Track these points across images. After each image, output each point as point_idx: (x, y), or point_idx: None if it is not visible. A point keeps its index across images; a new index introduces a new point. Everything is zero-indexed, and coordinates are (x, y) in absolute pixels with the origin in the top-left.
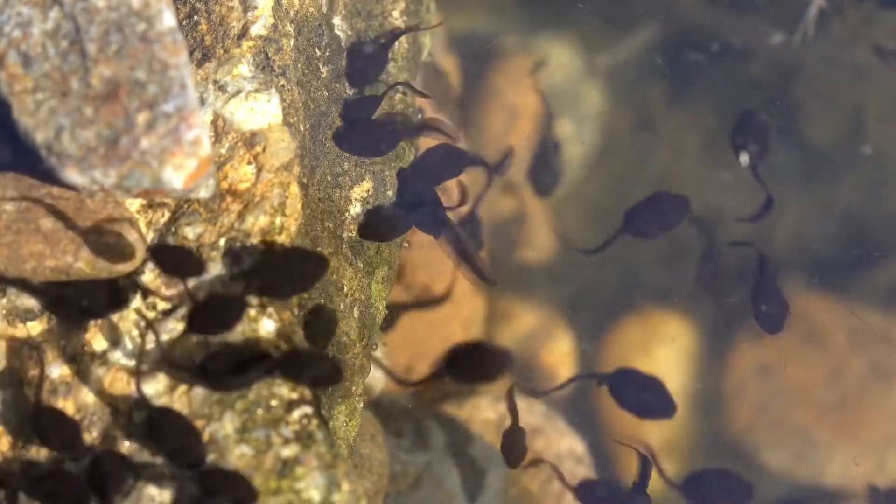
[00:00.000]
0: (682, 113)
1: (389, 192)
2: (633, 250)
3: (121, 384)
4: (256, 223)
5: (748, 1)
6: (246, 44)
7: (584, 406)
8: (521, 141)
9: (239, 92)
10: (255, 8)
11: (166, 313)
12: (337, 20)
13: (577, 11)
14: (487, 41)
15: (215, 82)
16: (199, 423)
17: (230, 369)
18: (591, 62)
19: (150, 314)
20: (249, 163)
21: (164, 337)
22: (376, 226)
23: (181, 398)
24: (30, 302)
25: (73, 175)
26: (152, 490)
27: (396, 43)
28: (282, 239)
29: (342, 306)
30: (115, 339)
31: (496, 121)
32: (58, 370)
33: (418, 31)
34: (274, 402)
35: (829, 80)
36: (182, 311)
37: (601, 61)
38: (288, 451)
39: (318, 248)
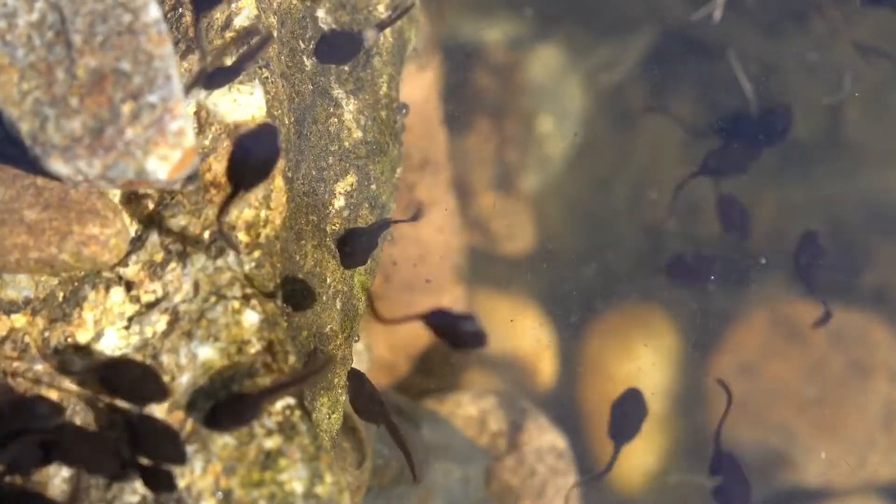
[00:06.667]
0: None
1: (373, 187)
2: (613, 246)
3: None
4: (241, 216)
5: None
6: (229, 35)
7: (566, 402)
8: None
9: None
10: None
11: (150, 306)
12: (321, 13)
13: (563, 13)
14: (472, 40)
15: None
16: (180, 414)
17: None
18: (574, 61)
19: (134, 308)
20: None
21: (148, 330)
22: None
23: None
24: (13, 293)
25: (57, 165)
26: (135, 484)
27: (381, 37)
28: (266, 232)
29: (325, 298)
30: (98, 331)
31: (480, 120)
32: (40, 363)
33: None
34: None
35: (808, 77)
36: (165, 304)
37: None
38: (271, 443)
39: (303, 241)
